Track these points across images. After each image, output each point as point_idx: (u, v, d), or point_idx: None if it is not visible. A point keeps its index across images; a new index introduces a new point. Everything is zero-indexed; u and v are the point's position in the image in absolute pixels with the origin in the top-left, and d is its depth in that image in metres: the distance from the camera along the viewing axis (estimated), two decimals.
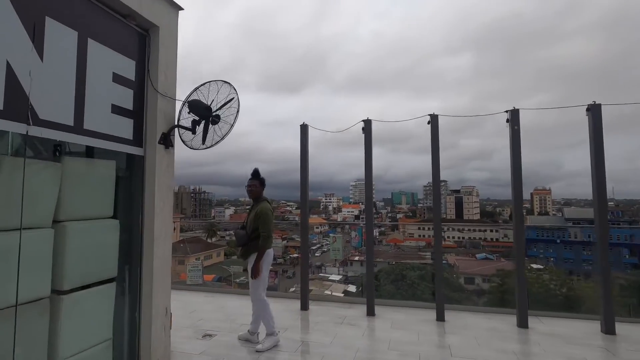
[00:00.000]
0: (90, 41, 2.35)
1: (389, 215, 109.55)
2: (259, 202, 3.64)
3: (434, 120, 4.46)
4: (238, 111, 3.10)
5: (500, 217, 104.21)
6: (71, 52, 2.23)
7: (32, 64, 1.99)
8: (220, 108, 2.99)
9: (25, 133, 1.95)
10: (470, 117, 5.20)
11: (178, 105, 2.99)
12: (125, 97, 2.66)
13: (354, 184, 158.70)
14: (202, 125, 2.97)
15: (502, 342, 3.58)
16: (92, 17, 2.39)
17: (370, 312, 4.48)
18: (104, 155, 2.56)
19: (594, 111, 3.96)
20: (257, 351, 3.34)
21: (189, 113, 2.96)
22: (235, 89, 3.02)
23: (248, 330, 3.65)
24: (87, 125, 2.33)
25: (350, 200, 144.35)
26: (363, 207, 6.42)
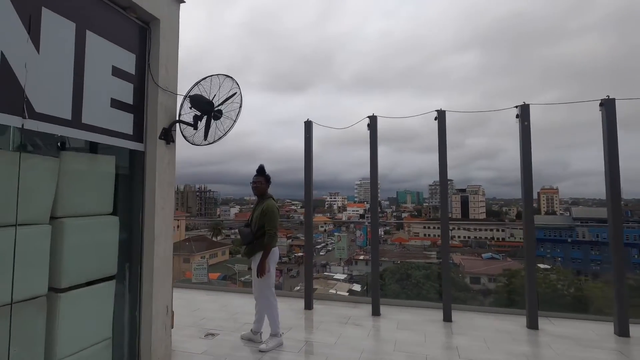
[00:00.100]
0: (88, 33, 2.29)
1: (394, 214, 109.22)
2: (264, 199, 3.56)
3: (441, 116, 4.36)
4: (241, 106, 3.03)
5: (507, 216, 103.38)
6: (69, 44, 2.17)
7: (28, 55, 1.94)
8: (222, 103, 2.92)
9: (20, 126, 1.90)
10: (477, 116, 5.10)
11: (179, 100, 2.93)
12: (125, 91, 2.60)
13: (358, 183, 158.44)
14: (203, 120, 2.91)
15: (512, 344, 3.48)
16: (91, 8, 2.33)
17: (376, 312, 4.39)
18: (104, 151, 2.51)
19: (608, 106, 3.83)
20: (260, 351, 3.28)
21: (190, 108, 2.90)
22: (237, 84, 2.96)
23: (251, 330, 3.59)
24: (86, 119, 2.27)
25: (355, 199, 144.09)
26: (368, 206, 6.33)
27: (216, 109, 2.89)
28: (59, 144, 2.26)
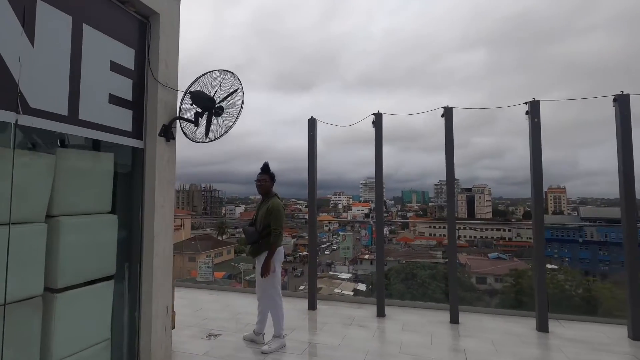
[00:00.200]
0: (85, 27, 2.24)
1: (399, 213, 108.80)
2: (269, 197, 3.49)
3: (447, 113, 4.26)
4: (243, 103, 2.96)
5: (513, 216, 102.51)
6: (65, 38, 2.12)
7: (22, 49, 1.88)
8: (224, 99, 2.86)
9: (14, 122, 1.85)
10: (483, 115, 4.99)
11: (179, 96, 2.87)
12: (124, 87, 2.54)
13: (363, 182, 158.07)
14: (205, 117, 2.84)
15: (522, 347, 3.38)
16: (88, 2, 2.28)
17: (381, 313, 4.31)
18: (103, 148, 2.45)
19: (621, 102, 3.70)
20: (262, 352, 3.21)
21: (191, 105, 2.84)
22: (239, 79, 2.89)
23: (253, 331, 3.52)
24: (83, 115, 2.22)
25: (360, 198, 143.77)
26: (373, 205, 6.23)
27: (217, 105, 2.83)
28: (58, 141, 2.22)
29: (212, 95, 2.81)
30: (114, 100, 2.46)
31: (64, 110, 2.10)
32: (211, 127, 2.88)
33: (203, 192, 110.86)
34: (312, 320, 4.21)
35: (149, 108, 2.72)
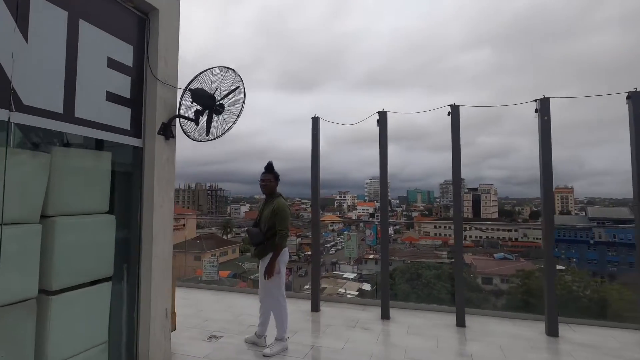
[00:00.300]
0: (82, 22, 2.18)
1: (405, 213, 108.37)
2: (274, 197, 3.42)
3: (454, 111, 4.16)
4: (244, 101, 2.90)
5: (519, 216, 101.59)
6: (60, 34, 2.06)
7: (15, 45, 1.83)
8: (224, 97, 2.79)
9: (7, 120, 1.79)
10: (489, 114, 4.87)
11: (179, 93, 2.80)
12: (122, 84, 2.49)
13: (368, 181, 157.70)
14: (205, 115, 2.78)
15: (531, 352, 3.27)
16: None
17: (385, 315, 4.22)
18: (103, 147, 2.40)
19: (635, 99, 3.58)
20: (264, 356, 3.15)
21: (192, 103, 2.78)
22: (240, 77, 2.82)
23: (255, 333, 3.46)
24: (79, 113, 2.16)
25: (365, 198, 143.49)
26: (378, 205, 6.16)
27: (218, 103, 2.76)
28: (55, 140, 2.16)
29: (212, 92, 2.75)
30: (112, 97, 2.40)
31: (59, 108, 2.05)
32: (212, 126, 2.82)
33: (208, 192, 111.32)
34: (315, 322, 4.14)
35: (148, 106, 2.66)
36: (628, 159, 3.69)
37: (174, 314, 3.34)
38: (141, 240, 2.59)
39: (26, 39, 1.88)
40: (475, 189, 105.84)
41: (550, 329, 3.69)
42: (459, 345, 3.47)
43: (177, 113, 2.78)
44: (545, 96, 3.87)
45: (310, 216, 4.92)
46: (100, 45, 2.31)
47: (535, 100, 3.89)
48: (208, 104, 2.73)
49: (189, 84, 2.70)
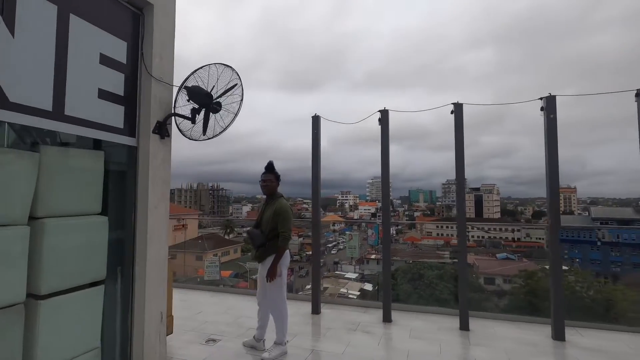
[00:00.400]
0: (72, 17, 2.10)
1: (407, 213, 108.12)
2: (275, 198, 3.34)
3: (457, 109, 4.06)
4: (242, 99, 2.82)
5: (522, 216, 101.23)
6: (49, 29, 1.98)
7: (1, 39, 1.75)
8: (221, 95, 2.72)
9: None
10: (492, 114, 4.78)
11: (175, 91, 2.73)
12: (115, 81, 2.41)
13: (370, 181, 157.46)
14: (202, 113, 2.70)
15: (538, 358, 3.18)
16: None
17: (387, 318, 4.14)
18: (95, 147, 2.33)
19: None
20: None
21: (188, 101, 2.70)
22: (238, 74, 2.74)
23: (254, 337, 3.39)
24: (69, 111, 2.08)
25: (367, 198, 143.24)
26: (380, 204, 6.08)
27: (215, 101, 2.69)
28: (46, 139, 2.09)
29: (209, 90, 2.67)
30: (104, 95, 2.32)
31: (48, 106, 1.97)
32: (209, 124, 2.74)
33: (210, 191, 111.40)
34: (315, 325, 4.06)
35: (143, 104, 2.58)
36: (634, 158, 3.59)
37: (170, 317, 3.27)
38: (135, 242, 2.51)
39: (12, 33, 1.80)
40: (478, 189, 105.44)
41: (557, 333, 3.60)
42: (463, 349, 3.38)
43: (172, 111, 2.70)
44: (552, 94, 3.77)
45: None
46: (92, 41, 2.24)
47: (541, 99, 3.80)
48: (205, 102, 2.65)
49: (184, 81, 2.62)
